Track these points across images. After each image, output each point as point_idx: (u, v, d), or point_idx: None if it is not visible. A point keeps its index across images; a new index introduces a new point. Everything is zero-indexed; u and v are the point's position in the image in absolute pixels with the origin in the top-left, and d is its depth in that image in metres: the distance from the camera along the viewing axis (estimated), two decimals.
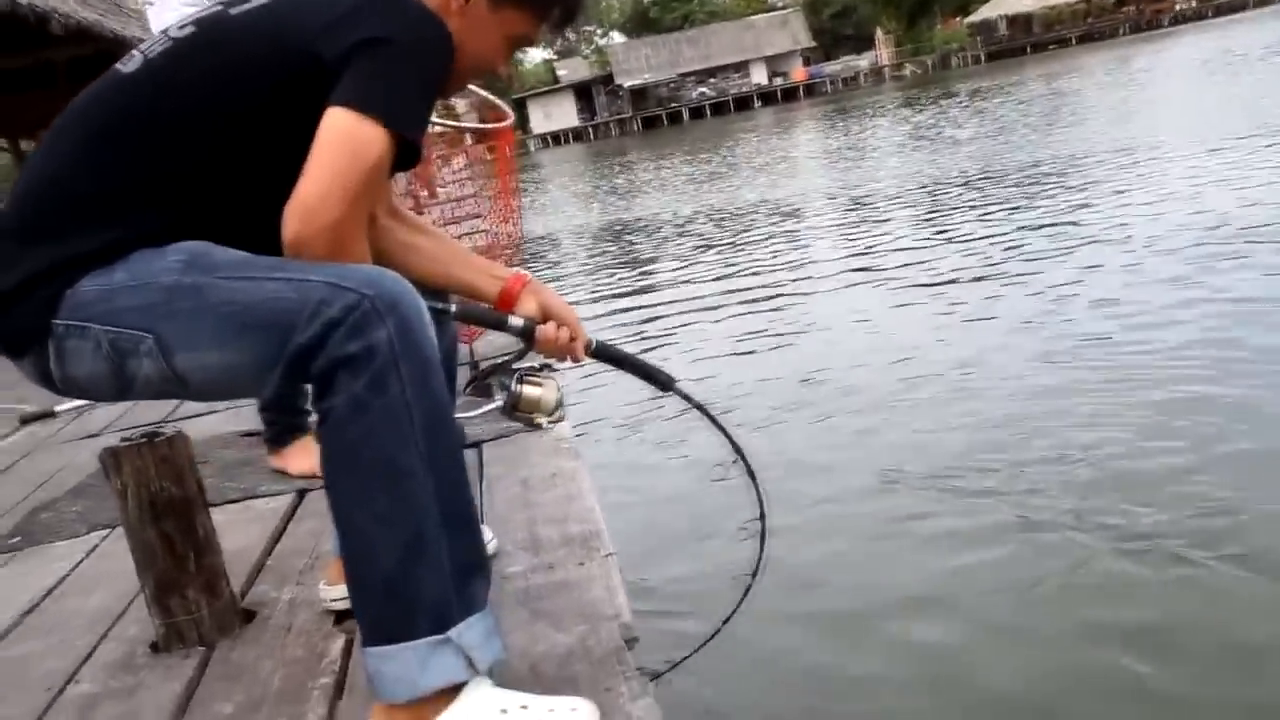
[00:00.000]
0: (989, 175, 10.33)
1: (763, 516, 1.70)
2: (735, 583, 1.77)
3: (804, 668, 2.45)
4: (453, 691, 1.25)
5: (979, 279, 6.06)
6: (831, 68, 60.32)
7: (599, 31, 78.01)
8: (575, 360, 1.58)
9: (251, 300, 1.21)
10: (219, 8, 1.35)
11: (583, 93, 62.65)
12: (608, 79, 61.39)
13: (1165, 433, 3.35)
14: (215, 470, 2.79)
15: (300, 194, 1.20)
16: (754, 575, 1.73)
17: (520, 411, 1.55)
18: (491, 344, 3.53)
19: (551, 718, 1.26)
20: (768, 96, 57.70)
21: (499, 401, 1.55)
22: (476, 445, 2.59)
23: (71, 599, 2.13)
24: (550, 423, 1.58)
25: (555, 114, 61.41)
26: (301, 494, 2.53)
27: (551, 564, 1.83)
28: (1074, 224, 7.03)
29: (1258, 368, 3.77)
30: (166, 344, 1.23)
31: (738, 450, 1.66)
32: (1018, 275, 5.93)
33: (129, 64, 1.34)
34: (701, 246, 9.65)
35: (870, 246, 7.82)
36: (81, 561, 2.34)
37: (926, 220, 8.54)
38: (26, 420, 4.14)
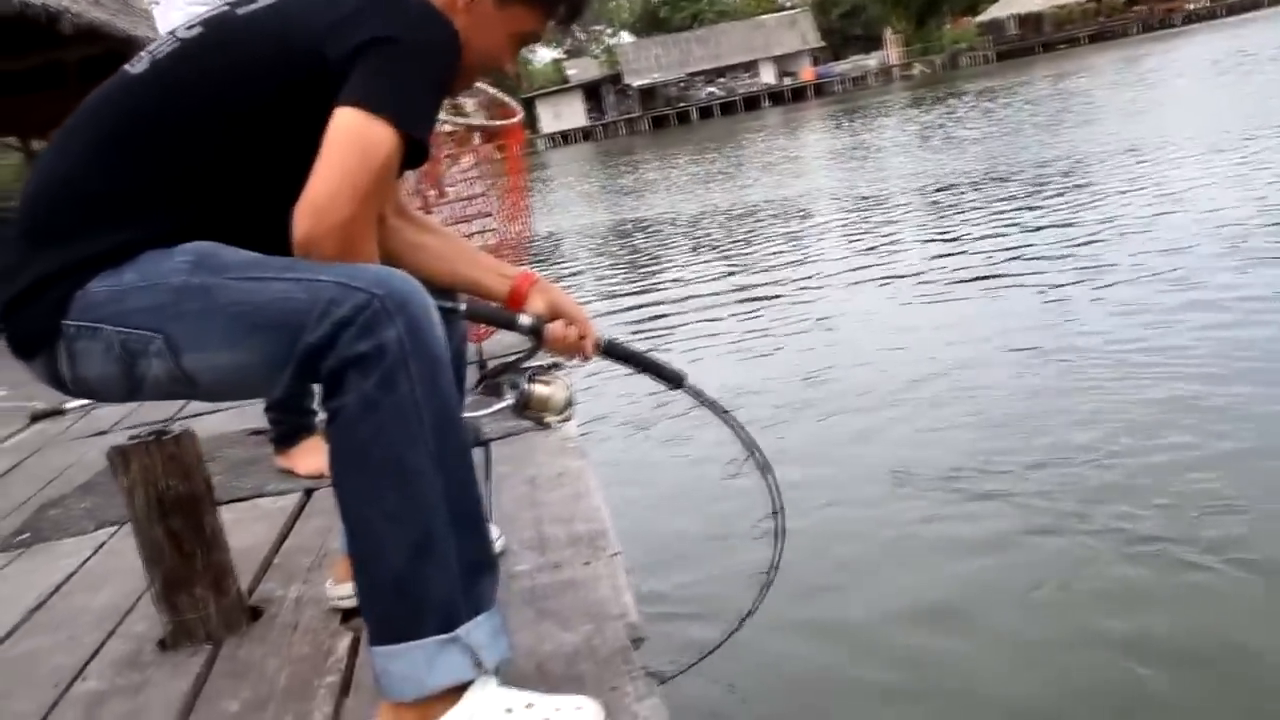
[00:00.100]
0: (997, 175, 10.30)
1: (779, 513, 1.69)
2: (745, 581, 1.77)
3: (811, 672, 2.44)
4: (459, 690, 1.25)
5: (987, 278, 6.04)
6: (840, 67, 60.18)
7: (608, 31, 78.02)
8: (585, 358, 1.58)
9: (261, 300, 1.21)
10: (225, 7, 1.36)
11: (591, 92, 62.64)
12: (617, 79, 61.37)
13: (1174, 434, 3.34)
14: (223, 468, 2.80)
15: (310, 194, 1.20)
16: (773, 571, 1.72)
17: (530, 410, 1.54)
18: (500, 343, 3.53)
19: (558, 717, 1.26)
20: (777, 96, 57.60)
21: (509, 400, 1.55)
22: (484, 444, 2.59)
23: (79, 596, 2.13)
24: (560, 421, 1.58)
25: (564, 113, 61.42)
26: (309, 492, 2.53)
27: (558, 563, 1.83)
28: (1082, 224, 7.01)
29: (1269, 367, 3.75)
30: (176, 344, 1.24)
31: (750, 447, 1.65)
32: (1025, 275, 5.91)
33: (138, 66, 1.35)
34: (709, 246, 9.65)
35: (878, 246, 7.81)
36: (89, 558, 2.35)
37: (934, 220, 8.52)
38: (36, 417, 4.15)
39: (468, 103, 4.66)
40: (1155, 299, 4.89)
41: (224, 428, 3.25)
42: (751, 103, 57.15)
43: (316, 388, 1.24)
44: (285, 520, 2.36)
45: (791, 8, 63.15)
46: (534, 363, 1.59)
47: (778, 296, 6.75)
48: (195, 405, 3.58)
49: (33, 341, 1.30)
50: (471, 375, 2.72)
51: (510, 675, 1.34)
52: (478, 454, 2.48)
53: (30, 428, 4.07)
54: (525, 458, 2.47)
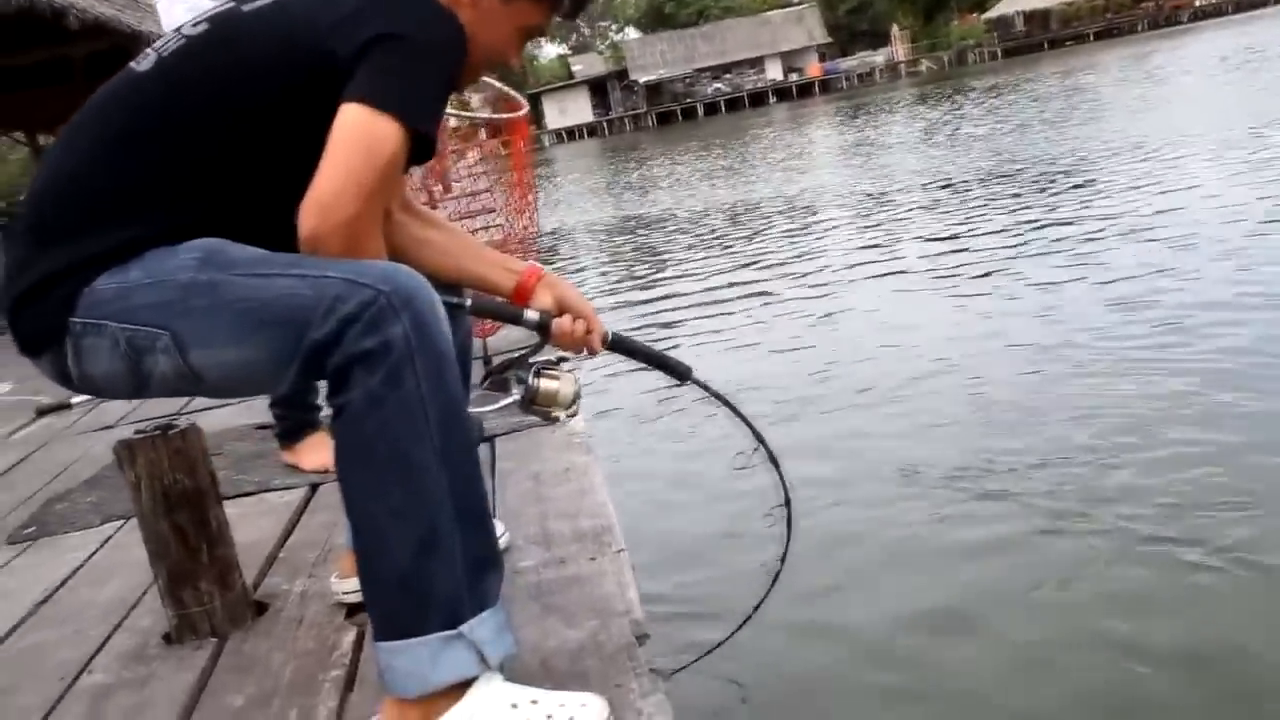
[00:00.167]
0: (1004, 172, 10.27)
1: (788, 503, 1.69)
2: (752, 575, 1.76)
3: (815, 673, 2.43)
4: (463, 686, 1.25)
5: (992, 275, 6.03)
6: (847, 64, 60.11)
7: (614, 27, 77.96)
8: (592, 353, 1.58)
9: (267, 296, 1.21)
10: (231, 3, 1.35)
11: (597, 88, 62.64)
12: (623, 74, 61.36)
13: (1180, 433, 3.33)
14: (228, 463, 2.80)
15: (316, 190, 1.20)
16: (783, 561, 1.72)
17: (537, 405, 1.54)
18: (506, 338, 3.53)
19: (562, 713, 1.26)
20: (783, 92, 57.55)
21: (516, 395, 1.54)
22: (489, 439, 2.59)
23: (85, 589, 2.14)
24: (568, 416, 1.57)
25: (570, 109, 61.43)
26: (314, 487, 2.54)
27: (563, 559, 1.82)
28: (1088, 220, 6.98)
29: (1277, 364, 3.74)
30: (182, 341, 1.24)
31: (759, 438, 1.65)
32: (1034, 272, 5.90)
33: (144, 63, 1.35)
34: (714, 242, 9.64)
35: (883, 243, 7.79)
36: (95, 552, 2.36)
37: (940, 216, 8.50)
38: (42, 412, 4.16)
39: (473, 98, 4.66)
40: (1161, 296, 4.88)
41: (229, 422, 3.25)
42: (757, 99, 57.12)
43: (321, 383, 1.24)
44: (290, 515, 2.37)
45: (798, 3, 63.02)
46: (541, 358, 1.58)
47: (782, 292, 6.74)
48: (201, 400, 3.58)
49: (40, 339, 1.30)
50: (477, 371, 2.73)
51: (515, 671, 1.34)
52: (482, 449, 2.48)
53: (36, 422, 4.08)
54: (530, 453, 2.47)
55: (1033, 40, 56.05)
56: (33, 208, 1.33)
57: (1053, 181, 9.06)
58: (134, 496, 1.73)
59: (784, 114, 38.83)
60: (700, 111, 57.00)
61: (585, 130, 60.24)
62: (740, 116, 45.39)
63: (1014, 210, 7.96)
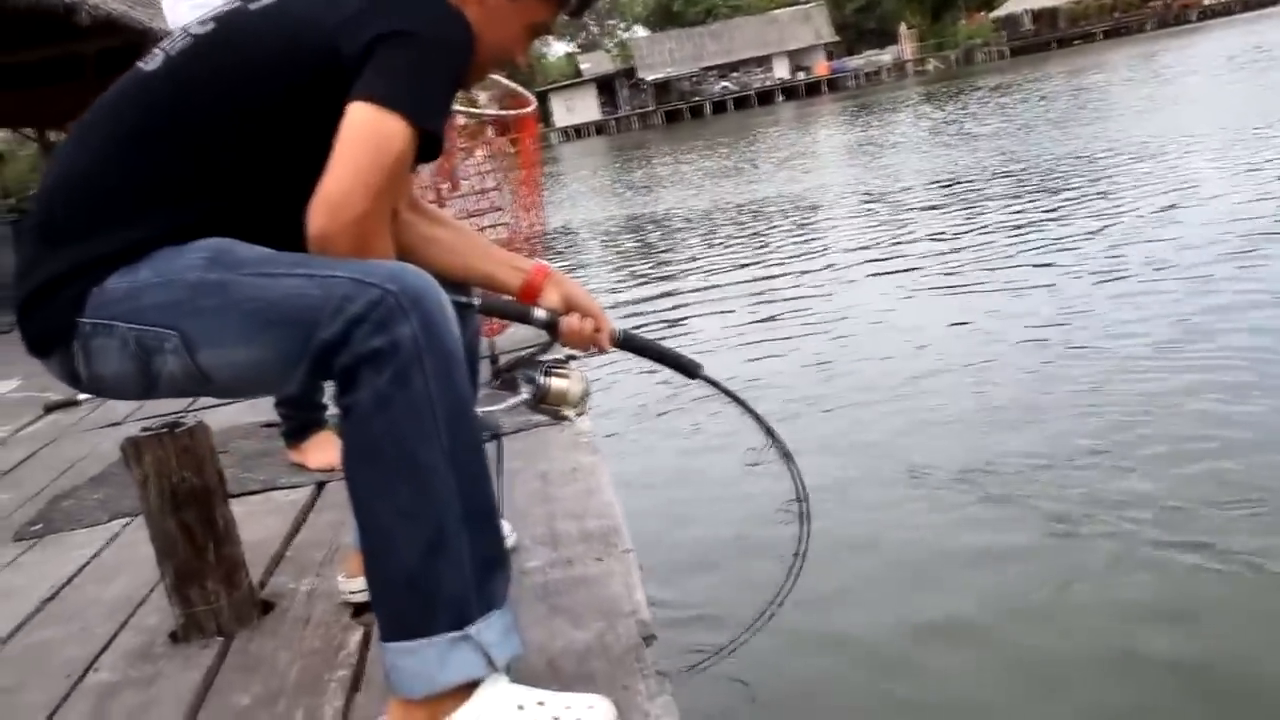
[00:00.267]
0: (1011, 172, 10.25)
1: (803, 499, 1.68)
2: (762, 572, 1.74)
3: (821, 678, 2.42)
4: (470, 687, 1.24)
5: (1002, 274, 6.01)
6: (854, 62, 60.00)
7: (621, 25, 77.92)
8: (600, 351, 1.57)
9: (275, 296, 1.20)
10: (238, 3, 1.35)
11: (605, 86, 62.61)
12: (630, 72, 61.32)
13: (1194, 432, 3.31)
14: (235, 461, 2.80)
15: (325, 189, 1.20)
16: (799, 558, 1.71)
17: (547, 404, 1.53)
18: (513, 337, 3.53)
19: (569, 715, 1.25)
20: (790, 91, 57.46)
21: (525, 394, 1.54)
22: (495, 438, 2.58)
23: (92, 587, 2.14)
24: (577, 415, 1.57)
25: (577, 107, 61.41)
26: (320, 486, 2.53)
27: (570, 559, 1.82)
28: (1097, 220, 6.96)
29: None
30: (191, 341, 1.23)
31: (771, 434, 1.64)
32: (1041, 271, 5.89)
33: (152, 62, 1.34)
34: (722, 240, 9.63)
35: (891, 242, 7.78)
36: (102, 549, 2.36)
37: (948, 216, 8.48)
38: (50, 408, 4.17)
39: (481, 95, 4.65)
40: (1171, 296, 4.86)
41: (236, 420, 3.25)
42: (765, 97, 57.05)
43: (328, 383, 1.24)
44: (297, 514, 2.36)
45: (806, 2, 62.93)
46: (550, 356, 1.58)
47: (789, 290, 6.73)
48: (207, 397, 3.59)
49: (48, 339, 1.30)
50: (484, 370, 2.72)
51: (521, 672, 1.33)
52: (489, 448, 2.48)
53: (44, 418, 4.09)
54: (537, 452, 2.46)
55: (1041, 39, 55.88)
56: (43, 206, 1.33)
57: (1061, 181, 9.04)
58: (141, 494, 1.73)
59: (791, 113, 38.78)
60: (708, 110, 56.93)
61: (593, 128, 60.20)
62: (747, 115, 45.33)
63: (1021, 210, 7.94)
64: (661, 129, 50.50)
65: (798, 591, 1.75)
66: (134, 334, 1.25)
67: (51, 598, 2.11)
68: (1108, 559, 2.67)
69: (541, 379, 1.52)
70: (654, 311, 6.94)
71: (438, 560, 1.20)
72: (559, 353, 1.61)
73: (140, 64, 1.36)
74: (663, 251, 9.80)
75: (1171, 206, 6.92)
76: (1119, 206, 7.30)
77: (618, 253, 10.53)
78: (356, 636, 1.67)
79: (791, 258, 7.96)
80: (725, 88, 58.88)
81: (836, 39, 61.40)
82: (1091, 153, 10.39)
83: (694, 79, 59.49)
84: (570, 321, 1.52)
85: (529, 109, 3.68)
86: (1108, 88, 19.60)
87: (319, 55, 1.26)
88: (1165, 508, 2.85)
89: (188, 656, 1.71)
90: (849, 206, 10.40)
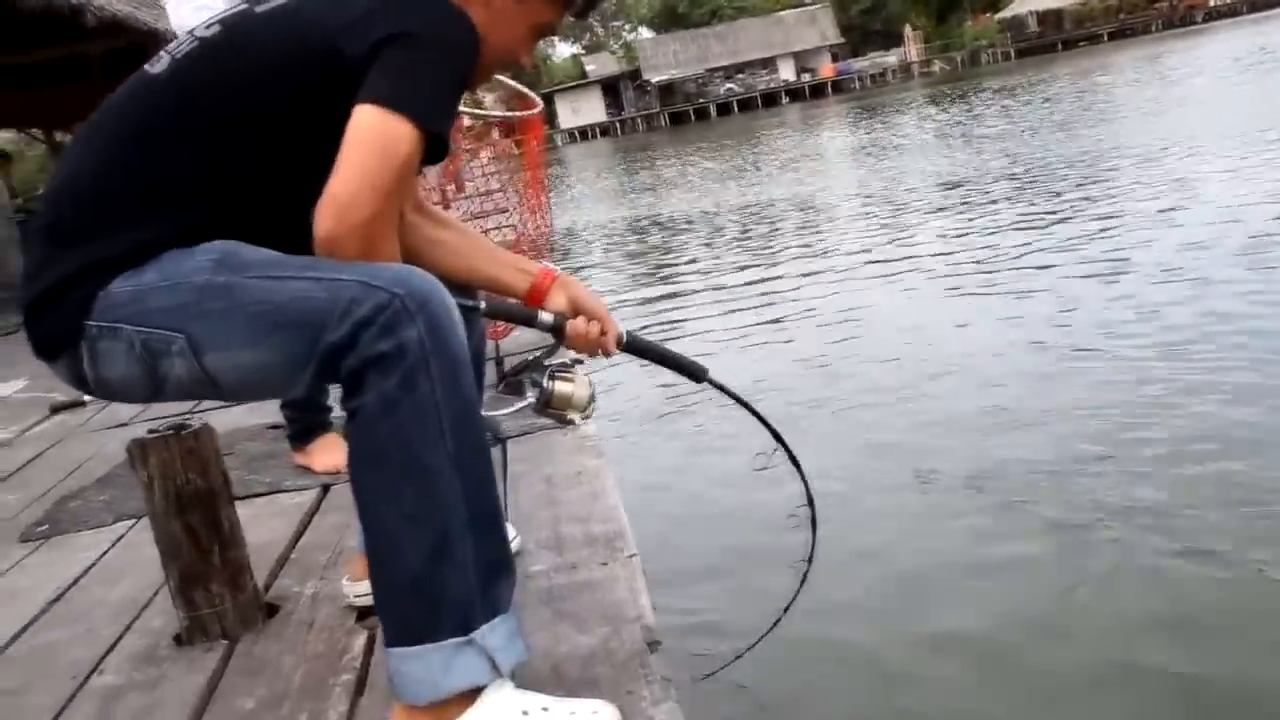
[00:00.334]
0: (1017, 174, 10.23)
1: (812, 505, 1.67)
2: (769, 577, 1.74)
3: (828, 685, 2.40)
4: (474, 693, 1.24)
5: (1008, 277, 6.00)
6: (860, 64, 59.95)
7: (627, 27, 77.93)
8: (607, 354, 1.57)
9: (282, 299, 1.20)
10: (244, 6, 1.35)
11: (610, 88, 62.60)
12: (636, 74, 61.31)
13: (1202, 435, 3.31)
14: (240, 463, 2.80)
15: (331, 192, 1.20)
16: (809, 563, 1.70)
17: (553, 408, 1.53)
18: (519, 340, 3.52)
19: None
20: (795, 93, 57.41)
21: (530, 398, 1.53)
22: (500, 442, 2.58)
23: (97, 589, 2.14)
24: (583, 419, 1.56)
25: (583, 109, 61.41)
26: (326, 488, 2.53)
27: (575, 564, 1.81)
28: (1104, 222, 6.95)
29: None
30: (198, 344, 1.23)
31: (778, 439, 1.63)
32: (1048, 273, 5.87)
33: (157, 65, 1.35)
34: (727, 242, 9.62)
35: (897, 244, 7.77)
36: (108, 551, 2.36)
37: (953, 218, 8.47)
38: (56, 409, 4.18)
39: (486, 97, 4.65)
40: (1176, 299, 4.85)
41: (241, 421, 3.26)
42: (770, 99, 57.00)
43: (333, 385, 1.24)
44: (302, 516, 2.36)
45: (811, 3, 62.89)
46: (556, 360, 1.57)
47: (794, 293, 6.73)
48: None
49: (55, 342, 1.30)
50: (489, 373, 2.72)
51: (526, 677, 1.33)
52: (494, 452, 2.47)
53: (50, 419, 4.10)
54: (542, 456, 2.46)
55: (1046, 41, 55.76)
56: (51, 207, 1.33)
57: (1065, 184, 9.02)
58: (146, 496, 1.73)
59: (796, 115, 38.73)
60: (713, 112, 56.90)
61: (597, 130, 60.19)
62: (753, 117, 45.29)
63: (1028, 213, 7.92)
64: (666, 131, 50.48)
65: (803, 598, 1.74)
66: (140, 337, 1.25)
67: (57, 599, 2.11)
68: (1113, 569, 2.65)
69: (547, 383, 1.52)
70: (659, 313, 6.94)
71: (443, 565, 1.20)
72: (565, 356, 1.61)
73: (146, 67, 1.36)
74: (669, 253, 9.80)
75: (1177, 209, 6.91)
76: (1124, 209, 7.28)
77: (623, 254, 10.52)
78: (361, 640, 1.67)
79: (796, 260, 7.95)
80: (730, 89, 58.84)
81: (842, 41, 61.33)
82: (1097, 155, 10.37)
83: (699, 81, 59.46)
84: (576, 325, 1.52)
85: (535, 111, 3.67)
86: (1113, 90, 19.56)
87: (324, 57, 1.26)
88: (1171, 516, 2.83)
89: (192, 659, 1.71)
90: (854, 209, 10.38)
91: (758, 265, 8.06)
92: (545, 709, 1.26)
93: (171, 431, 1.72)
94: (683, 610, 2.71)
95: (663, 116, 58.13)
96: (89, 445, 3.49)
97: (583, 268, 9.96)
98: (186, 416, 2.14)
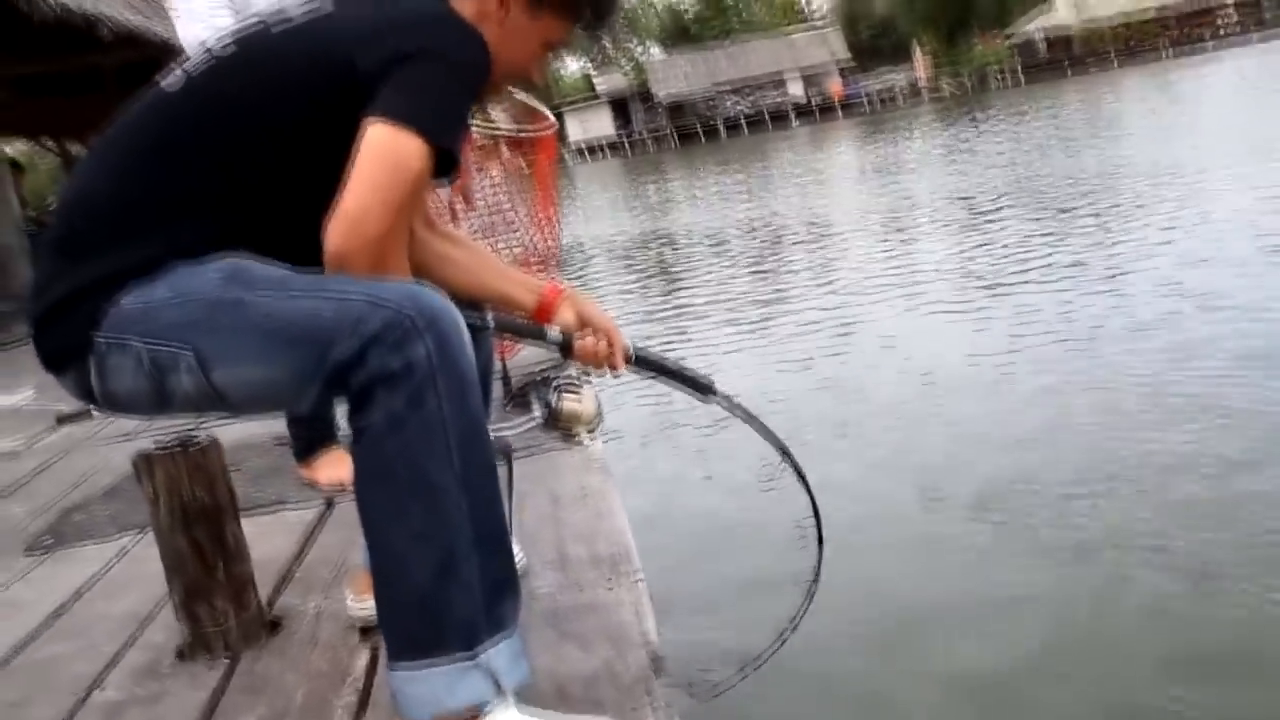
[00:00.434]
0: (1026, 196, 10.23)
1: (818, 519, 1.66)
2: (774, 599, 1.73)
3: (835, 708, 2.36)
4: (477, 711, 1.22)
5: (1016, 297, 5.99)
6: (869, 84, 60.10)
7: (636, 45, 78.31)
8: (614, 370, 1.56)
9: (291, 316, 1.20)
10: (261, 25, 1.35)
11: (619, 106, 62.83)
12: (645, 93, 61.54)
13: (1206, 453, 3.28)
14: (245, 478, 2.79)
15: (342, 208, 1.20)
16: (815, 581, 1.69)
17: (559, 424, 1.52)
18: (525, 356, 3.52)
19: None
20: (805, 112, 57.56)
21: (538, 414, 1.53)
22: (507, 459, 2.57)
23: (100, 602, 2.13)
24: (589, 435, 1.56)
25: (592, 126, 61.61)
26: (330, 504, 2.52)
27: (580, 584, 1.80)
28: (1112, 244, 6.95)
29: None
30: (206, 359, 1.23)
31: (784, 453, 1.62)
32: (1055, 295, 5.85)
33: (173, 80, 1.35)
34: (735, 261, 9.64)
35: (905, 263, 7.77)
36: (112, 564, 2.35)
37: (962, 239, 8.46)
38: (63, 420, 4.17)
39: (498, 113, 4.65)
40: (1186, 317, 4.84)
41: (248, 434, 3.25)
42: (779, 118, 57.14)
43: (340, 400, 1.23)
44: (305, 532, 2.35)
45: (820, 22, 63.12)
46: (563, 376, 1.57)
47: (802, 311, 6.72)
48: None
49: (64, 355, 1.30)
50: (496, 389, 2.71)
51: (529, 696, 1.32)
52: (500, 469, 2.46)
53: (57, 430, 4.10)
54: (548, 474, 2.45)
55: (1055, 63, 55.88)
56: (62, 219, 1.33)
57: (1076, 205, 9.01)
58: (151, 511, 1.72)
59: (805, 134, 38.86)
60: (722, 130, 57.05)
61: (607, 147, 60.34)
62: (762, 136, 45.46)
63: (1036, 235, 7.91)
64: (676, 150, 50.63)
65: (807, 619, 1.73)
66: (149, 352, 1.24)
67: (60, 613, 2.10)
68: (1118, 599, 2.61)
69: (554, 399, 1.51)
70: (667, 331, 6.94)
71: (449, 583, 1.19)
72: (572, 372, 1.60)
73: (161, 81, 1.36)
74: (677, 271, 9.81)
75: (1185, 229, 6.91)
76: (1133, 230, 7.29)
77: (631, 271, 10.54)
78: (364, 658, 1.66)
79: (806, 279, 7.95)
80: (739, 108, 59.00)
81: (851, 61, 61.52)
82: (1105, 177, 10.37)
83: (708, 99, 59.67)
84: (584, 341, 1.51)
85: (548, 128, 3.68)
86: (1122, 113, 19.59)
87: (339, 72, 1.26)
88: (1178, 542, 2.79)
89: (194, 675, 1.70)
90: (864, 228, 10.39)
91: (765, 285, 8.07)
92: None
93: (178, 446, 1.71)
94: (687, 629, 2.69)
95: (671, 135, 58.29)
96: (94, 457, 3.49)
97: (591, 285, 9.98)
98: (193, 429, 2.13)
